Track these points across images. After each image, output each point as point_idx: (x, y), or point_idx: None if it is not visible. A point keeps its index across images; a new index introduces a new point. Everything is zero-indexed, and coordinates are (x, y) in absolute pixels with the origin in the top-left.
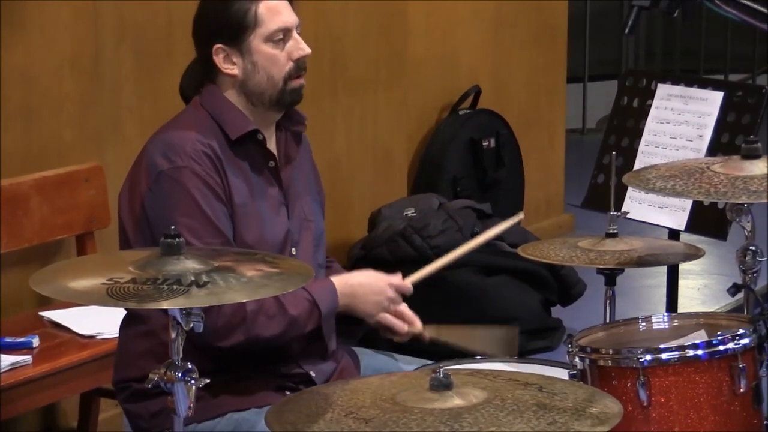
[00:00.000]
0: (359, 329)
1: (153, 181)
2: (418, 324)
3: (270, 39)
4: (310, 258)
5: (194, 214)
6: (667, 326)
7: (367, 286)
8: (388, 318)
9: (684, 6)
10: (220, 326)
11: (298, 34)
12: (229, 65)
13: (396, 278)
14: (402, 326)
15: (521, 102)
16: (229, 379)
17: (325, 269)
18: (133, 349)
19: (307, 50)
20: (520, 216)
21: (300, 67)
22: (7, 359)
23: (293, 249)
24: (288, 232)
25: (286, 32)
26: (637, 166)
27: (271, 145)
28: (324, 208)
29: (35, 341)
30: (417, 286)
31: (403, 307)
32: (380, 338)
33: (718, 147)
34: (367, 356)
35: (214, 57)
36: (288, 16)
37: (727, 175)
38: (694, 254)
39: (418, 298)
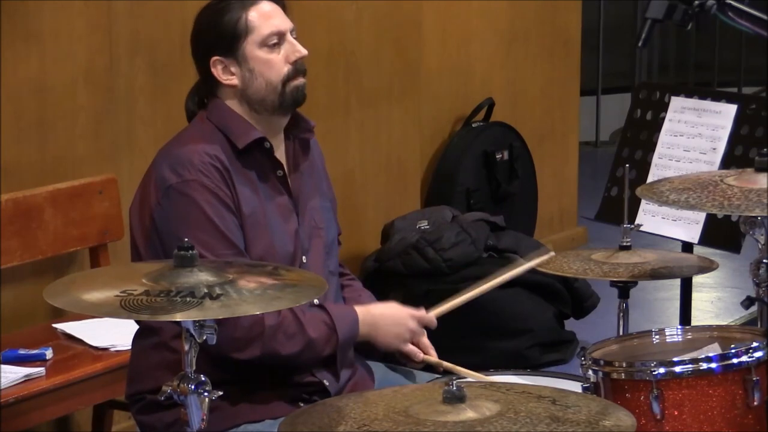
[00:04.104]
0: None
1: (162, 195)
2: (433, 353)
3: (264, 44)
4: (321, 265)
5: (205, 227)
6: (680, 339)
7: (389, 317)
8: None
9: (698, 19)
10: (237, 337)
11: (294, 38)
12: (228, 76)
13: (419, 311)
14: (417, 353)
15: (535, 114)
16: (244, 390)
17: (337, 276)
18: (147, 361)
19: (304, 51)
20: (552, 253)
21: (298, 69)
22: (21, 371)
23: (303, 257)
24: (298, 240)
25: (280, 36)
26: (650, 178)
27: (281, 154)
28: (336, 214)
29: (48, 353)
30: (429, 299)
31: (422, 336)
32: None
33: (731, 160)
34: (382, 371)
35: (213, 70)
36: (280, 21)
37: (741, 188)
38: (707, 267)
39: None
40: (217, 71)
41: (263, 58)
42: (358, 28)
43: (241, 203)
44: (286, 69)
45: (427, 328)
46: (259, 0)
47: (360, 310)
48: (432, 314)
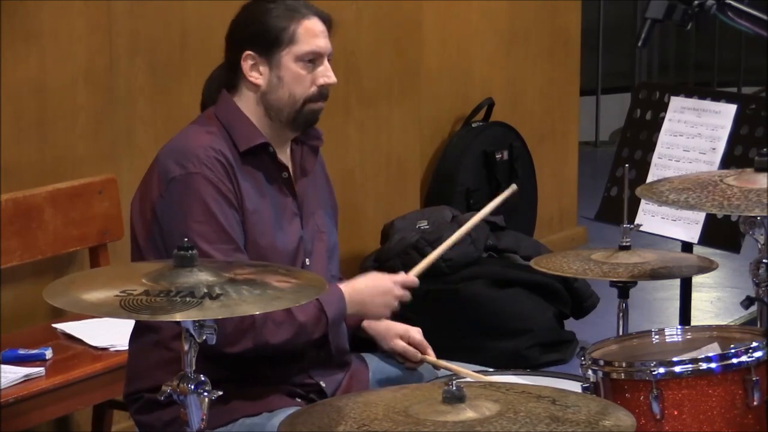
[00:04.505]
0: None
1: (165, 188)
2: (431, 352)
3: (301, 59)
4: (324, 268)
5: (206, 221)
6: (680, 339)
7: (374, 288)
8: (402, 345)
9: (697, 18)
10: (228, 333)
11: (329, 62)
12: (255, 74)
13: (400, 275)
14: (415, 353)
15: (534, 114)
16: (240, 385)
17: (338, 281)
18: (145, 360)
19: (333, 79)
20: (514, 188)
21: (322, 93)
22: (20, 371)
23: (307, 259)
24: (301, 242)
25: (318, 57)
26: (650, 178)
27: (285, 157)
28: (337, 223)
29: (48, 353)
30: (429, 299)
31: (418, 335)
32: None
33: (731, 160)
34: (376, 362)
35: (242, 62)
36: (323, 42)
37: (741, 188)
38: (707, 267)
39: (432, 311)
40: (246, 65)
41: (295, 71)
42: (358, 28)
43: (244, 199)
44: (312, 89)
45: (411, 289)
46: (311, 15)
47: (345, 287)
48: (412, 275)
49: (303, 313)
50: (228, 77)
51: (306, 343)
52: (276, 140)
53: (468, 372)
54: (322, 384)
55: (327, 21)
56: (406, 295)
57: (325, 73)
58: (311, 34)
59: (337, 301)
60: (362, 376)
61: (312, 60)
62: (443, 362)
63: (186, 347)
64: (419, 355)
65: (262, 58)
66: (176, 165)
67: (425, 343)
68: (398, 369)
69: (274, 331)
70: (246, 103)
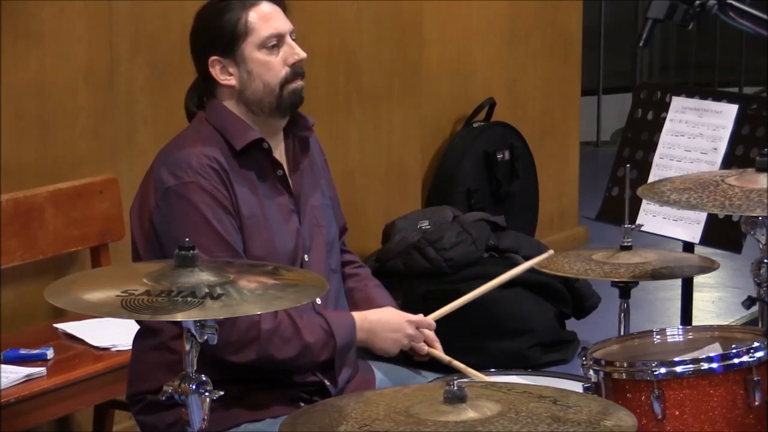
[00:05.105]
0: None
1: (161, 198)
2: (438, 346)
3: (263, 46)
4: (323, 263)
5: (203, 230)
6: (681, 339)
7: (386, 323)
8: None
9: (698, 18)
10: (233, 340)
11: (293, 40)
12: (226, 76)
13: (416, 316)
14: (422, 347)
15: (535, 114)
16: (244, 390)
17: (339, 274)
18: (148, 361)
19: (302, 54)
20: (551, 252)
21: (296, 72)
22: (22, 371)
23: (305, 255)
24: (299, 239)
25: (280, 38)
26: (651, 178)
27: (280, 154)
28: (338, 210)
29: (50, 353)
30: (429, 299)
31: (428, 328)
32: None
33: (732, 160)
34: (382, 368)
35: (211, 69)
36: (280, 23)
37: (742, 188)
38: (708, 267)
39: (433, 311)
40: (215, 71)
41: (262, 59)
42: (359, 28)
43: (240, 204)
44: (284, 72)
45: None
46: (259, 1)
47: (357, 315)
48: (430, 318)
49: (311, 334)
50: (205, 87)
51: (310, 364)
52: (268, 134)
53: (473, 372)
54: (327, 382)
55: (278, 1)
56: (419, 336)
57: (293, 52)
58: (265, 18)
59: (348, 328)
60: (368, 383)
61: (275, 44)
62: (449, 359)
63: (187, 347)
64: (425, 348)
65: (227, 59)
66: (170, 175)
67: (434, 336)
68: (404, 377)
69: (279, 347)
70: (229, 106)
